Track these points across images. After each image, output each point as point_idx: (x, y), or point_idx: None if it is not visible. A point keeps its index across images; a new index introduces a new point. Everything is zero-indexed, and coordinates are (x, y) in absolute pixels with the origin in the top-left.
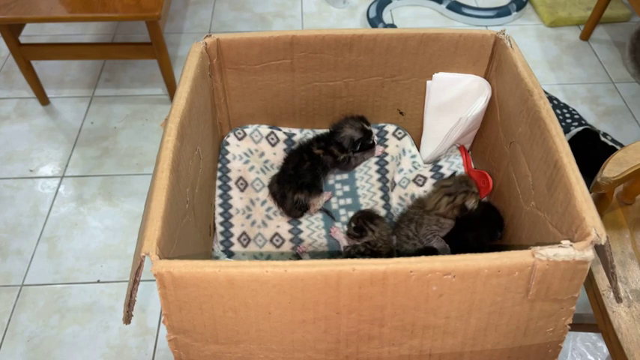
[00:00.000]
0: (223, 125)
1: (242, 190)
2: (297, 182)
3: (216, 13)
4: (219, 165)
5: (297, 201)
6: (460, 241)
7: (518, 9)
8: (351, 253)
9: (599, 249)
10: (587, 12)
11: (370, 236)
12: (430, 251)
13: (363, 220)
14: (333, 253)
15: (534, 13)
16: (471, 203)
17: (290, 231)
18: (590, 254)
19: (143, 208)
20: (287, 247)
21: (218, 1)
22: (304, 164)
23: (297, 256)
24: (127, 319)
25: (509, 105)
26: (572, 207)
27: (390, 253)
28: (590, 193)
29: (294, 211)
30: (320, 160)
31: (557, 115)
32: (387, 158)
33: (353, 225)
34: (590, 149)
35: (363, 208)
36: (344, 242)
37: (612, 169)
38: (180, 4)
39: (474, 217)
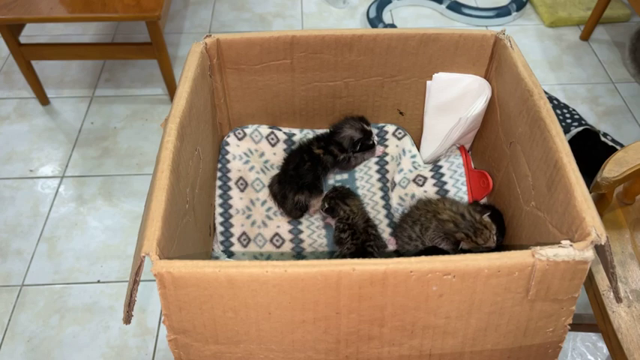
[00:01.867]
0: (223, 125)
1: (242, 190)
2: (298, 183)
3: (216, 13)
4: (219, 165)
5: (298, 202)
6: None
7: (518, 9)
8: (338, 238)
9: (599, 249)
10: (587, 12)
11: (342, 214)
12: (438, 251)
13: (335, 201)
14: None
15: (534, 13)
16: (463, 244)
17: (290, 231)
18: (590, 254)
19: (143, 208)
20: (287, 247)
21: (218, 1)
22: (305, 164)
23: (299, 256)
24: (127, 319)
25: (509, 105)
26: (572, 207)
27: (368, 221)
28: (590, 193)
29: (295, 211)
30: (320, 160)
31: (557, 115)
32: (387, 158)
33: (326, 205)
34: (590, 149)
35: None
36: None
37: (612, 169)
38: (180, 4)
39: None
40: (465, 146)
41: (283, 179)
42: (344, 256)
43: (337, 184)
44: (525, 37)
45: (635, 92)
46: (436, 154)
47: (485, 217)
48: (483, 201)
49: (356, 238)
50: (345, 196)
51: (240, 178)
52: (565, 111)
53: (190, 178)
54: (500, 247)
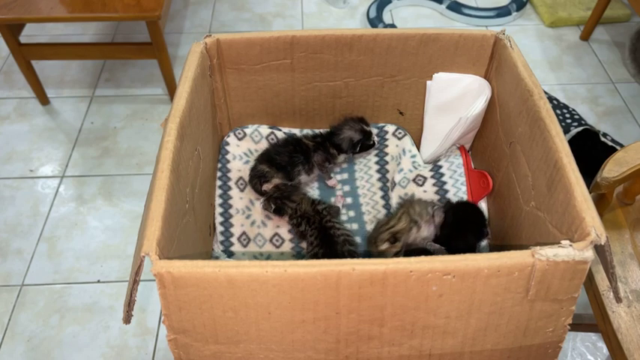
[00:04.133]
0: (223, 125)
1: (242, 190)
2: (267, 156)
3: (216, 13)
4: (219, 165)
5: (259, 171)
6: (452, 251)
7: (518, 9)
8: (298, 234)
9: (599, 249)
10: (587, 12)
11: (290, 212)
12: (424, 253)
13: (282, 201)
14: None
15: (534, 13)
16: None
17: (290, 231)
18: (589, 254)
19: (143, 208)
20: (287, 247)
21: (218, 1)
22: (287, 147)
23: (299, 256)
24: (127, 319)
25: (509, 105)
26: (572, 207)
27: (313, 202)
28: (590, 193)
29: (253, 180)
30: (307, 149)
31: (557, 115)
32: (387, 158)
33: (272, 206)
34: (590, 149)
35: (363, 208)
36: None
37: (612, 169)
38: (180, 4)
39: (454, 226)
40: (465, 146)
41: (259, 158)
42: (315, 254)
43: (339, 185)
44: (525, 37)
45: (635, 92)
46: (436, 154)
47: (430, 210)
48: (483, 201)
49: (312, 223)
50: (290, 194)
51: (240, 178)
52: (565, 111)
53: (190, 177)
54: (500, 246)
